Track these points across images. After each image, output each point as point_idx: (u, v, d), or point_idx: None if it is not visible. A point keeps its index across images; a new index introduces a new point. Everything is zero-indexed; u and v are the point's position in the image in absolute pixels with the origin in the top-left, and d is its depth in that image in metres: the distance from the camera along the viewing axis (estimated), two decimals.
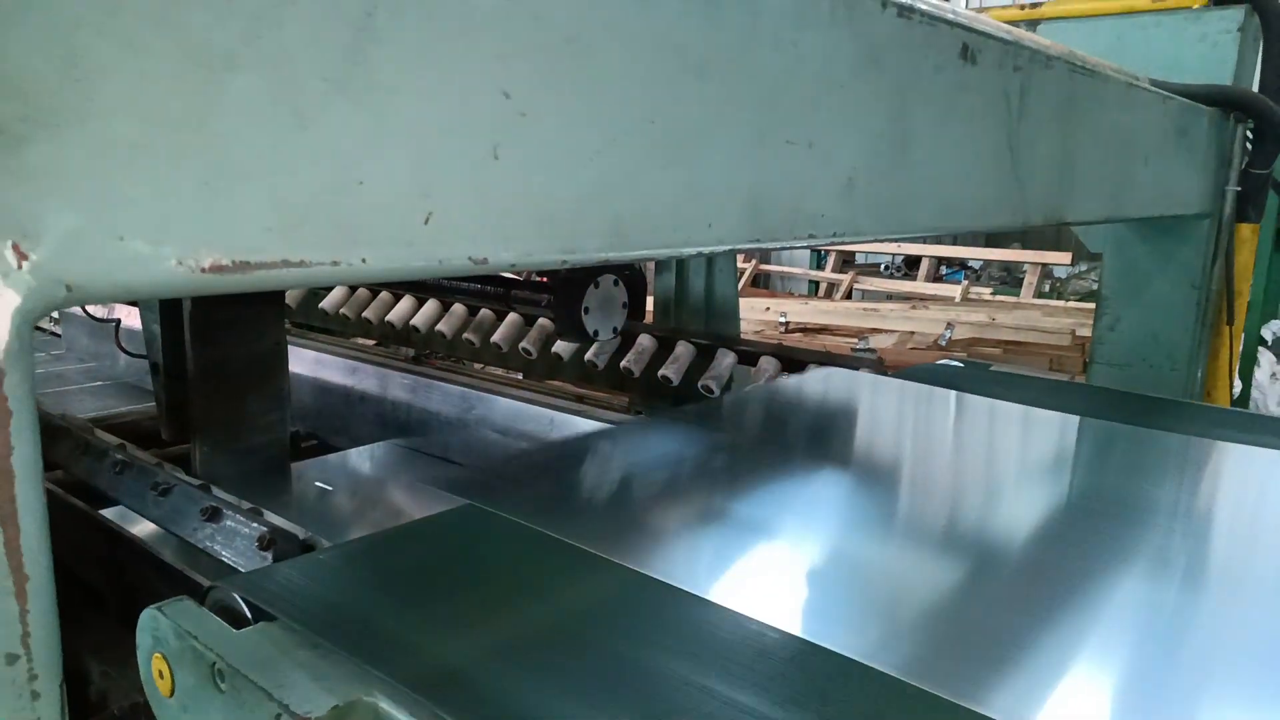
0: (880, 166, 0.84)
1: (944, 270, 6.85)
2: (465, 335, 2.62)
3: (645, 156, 0.59)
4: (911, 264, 6.90)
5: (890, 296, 6.26)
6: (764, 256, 8.02)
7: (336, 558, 0.79)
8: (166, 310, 1.52)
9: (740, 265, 7.70)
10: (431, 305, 2.72)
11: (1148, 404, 1.56)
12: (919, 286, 6.52)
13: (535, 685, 0.58)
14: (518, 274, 2.00)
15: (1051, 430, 1.35)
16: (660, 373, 2.28)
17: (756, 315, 4.82)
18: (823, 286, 7.01)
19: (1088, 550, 0.85)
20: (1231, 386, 2.21)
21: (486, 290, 2.05)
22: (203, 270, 0.41)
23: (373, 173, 0.47)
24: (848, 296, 6.85)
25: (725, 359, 2.27)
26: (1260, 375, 5.36)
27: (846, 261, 7.30)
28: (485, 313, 2.73)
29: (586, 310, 1.58)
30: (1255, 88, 2.07)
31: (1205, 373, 2.15)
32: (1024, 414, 1.39)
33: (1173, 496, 1.07)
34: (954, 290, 6.19)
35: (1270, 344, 5.56)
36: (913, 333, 4.10)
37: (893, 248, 7.22)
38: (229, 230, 0.42)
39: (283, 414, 1.65)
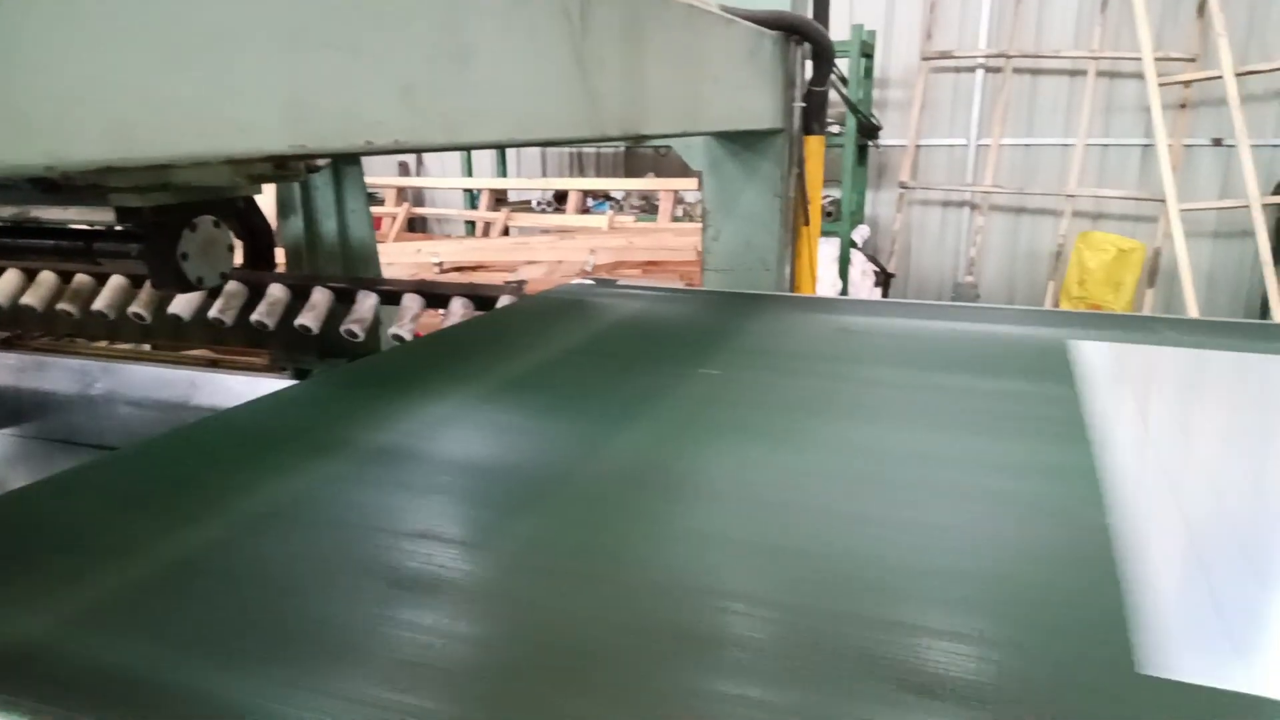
0: (440, 76, 0.86)
1: (590, 203, 7.16)
2: (61, 306, 2.30)
3: (152, 53, 0.56)
4: (560, 198, 7.12)
5: (546, 231, 6.43)
6: (416, 200, 7.83)
7: None
8: None
9: (392, 210, 7.47)
10: (12, 274, 2.36)
11: (741, 298, 1.80)
12: (569, 220, 6.76)
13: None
14: (98, 224, 1.79)
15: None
16: (298, 322, 2.17)
17: (408, 259, 4.73)
18: (480, 226, 7.03)
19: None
20: (814, 280, 2.57)
21: (63, 246, 1.81)
22: None
23: None
24: (505, 233, 6.94)
25: (367, 301, 2.21)
26: (854, 273, 6.25)
27: (500, 200, 7.37)
28: (83, 278, 2.41)
29: (185, 257, 1.47)
30: (809, 14, 2.38)
31: (793, 270, 2.48)
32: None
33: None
34: (601, 220, 6.50)
35: (860, 246, 6.50)
36: (561, 262, 4.27)
37: (541, 183, 7.39)
38: None
39: None
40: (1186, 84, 5.71)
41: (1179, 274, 5.44)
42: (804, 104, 2.30)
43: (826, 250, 6.21)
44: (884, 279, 6.46)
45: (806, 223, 2.41)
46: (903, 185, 6.62)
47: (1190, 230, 5.59)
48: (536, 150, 7.67)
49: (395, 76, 0.79)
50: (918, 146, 6.61)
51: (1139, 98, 5.84)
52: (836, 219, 6.14)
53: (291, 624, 0.63)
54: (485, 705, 0.56)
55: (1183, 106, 5.84)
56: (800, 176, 2.37)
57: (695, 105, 1.61)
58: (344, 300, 2.16)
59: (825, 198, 6.55)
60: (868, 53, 6.13)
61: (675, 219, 6.41)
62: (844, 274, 6.14)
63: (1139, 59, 5.55)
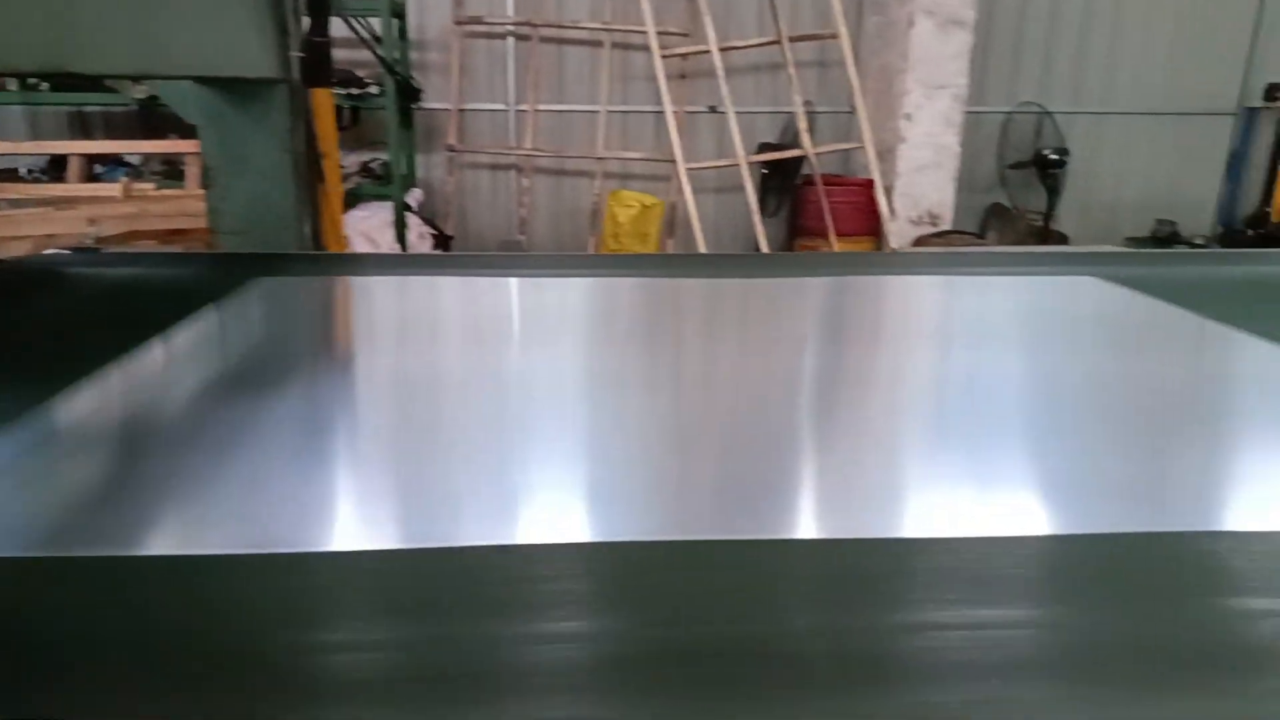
0: None
1: (100, 169, 6.22)
2: None
3: None
4: (59, 165, 6.09)
5: (45, 203, 5.47)
6: None
7: None
8: None
9: None
10: None
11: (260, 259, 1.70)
12: (73, 189, 5.82)
13: None
14: None
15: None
16: None
17: None
18: None
19: None
20: (340, 240, 2.51)
21: None
22: None
23: None
24: None
25: None
26: (412, 236, 6.23)
27: None
28: None
29: None
30: None
31: (315, 229, 2.39)
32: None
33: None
34: (114, 189, 5.69)
35: (416, 209, 6.49)
36: (52, 236, 3.67)
37: (30, 148, 6.26)
38: None
39: None
40: (684, 56, 6.49)
41: (692, 224, 6.24)
42: (303, 55, 2.21)
43: (381, 214, 6.11)
44: (443, 241, 6.52)
45: (322, 180, 2.34)
46: (450, 148, 6.71)
47: (697, 187, 6.41)
48: (17, 107, 6.45)
49: None
50: (461, 110, 6.73)
51: (648, 68, 6.52)
52: (388, 182, 6.04)
53: None
54: None
55: (683, 77, 6.65)
56: (310, 131, 2.29)
57: (152, 41, 1.46)
58: None
59: (373, 160, 6.41)
60: (399, 13, 6.06)
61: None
62: (401, 238, 6.09)
63: (645, 32, 6.18)
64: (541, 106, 6.77)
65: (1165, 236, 7.32)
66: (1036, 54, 7.32)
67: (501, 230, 7.09)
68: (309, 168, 2.33)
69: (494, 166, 6.98)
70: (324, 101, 2.35)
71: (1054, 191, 7.19)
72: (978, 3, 6.37)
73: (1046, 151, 7.09)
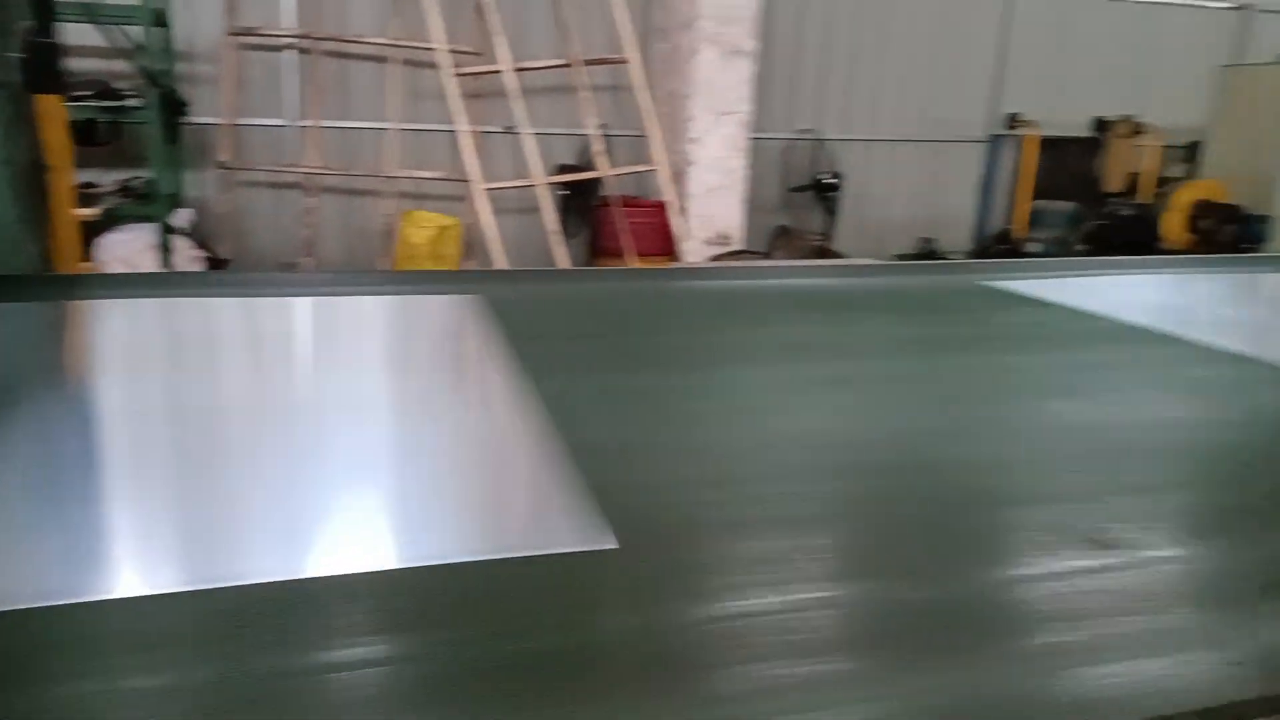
0: None
1: None
2: None
3: None
4: None
5: None
6: None
7: None
8: None
9: None
10: None
11: None
12: None
13: None
14: None
15: None
16: None
17: None
18: None
19: None
20: (77, 262, 2.26)
21: None
22: None
23: None
24: None
25: None
26: (179, 259, 5.77)
27: None
28: None
29: None
30: None
31: (45, 250, 2.14)
32: None
33: None
34: None
35: (187, 230, 6.01)
36: None
37: None
38: None
39: None
40: (476, 75, 6.42)
41: (490, 246, 6.15)
42: (24, 57, 1.96)
43: (144, 237, 5.61)
44: (217, 264, 6.07)
45: (49, 196, 2.09)
46: (223, 165, 6.27)
47: (497, 207, 6.33)
48: None
49: None
50: (236, 125, 6.32)
51: (441, 86, 6.39)
52: (152, 201, 5.56)
53: None
54: None
55: (477, 96, 6.57)
56: (34, 140, 2.04)
57: None
58: None
59: (136, 178, 5.88)
60: (162, 21, 5.62)
61: None
62: (167, 262, 5.61)
63: (434, 49, 6.06)
64: (326, 123, 6.48)
65: (926, 253, 8.00)
66: (812, 84, 7.82)
67: (285, 252, 6.70)
68: (35, 182, 2.07)
69: (275, 185, 6.59)
70: (53, 109, 2.10)
71: (831, 213, 7.69)
72: (758, 33, 6.72)
73: (823, 176, 7.58)
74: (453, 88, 6.03)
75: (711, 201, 6.88)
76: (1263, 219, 7.25)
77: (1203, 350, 1.41)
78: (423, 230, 6.20)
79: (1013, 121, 8.20)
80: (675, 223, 6.62)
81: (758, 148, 7.22)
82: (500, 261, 6.10)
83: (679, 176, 6.74)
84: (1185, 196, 7.43)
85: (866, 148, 8.07)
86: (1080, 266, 2.35)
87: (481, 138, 6.61)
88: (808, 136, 7.69)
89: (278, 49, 6.35)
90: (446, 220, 6.34)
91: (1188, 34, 8.67)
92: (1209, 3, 8.72)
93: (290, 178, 6.54)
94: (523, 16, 6.68)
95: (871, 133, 8.06)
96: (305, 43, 6.32)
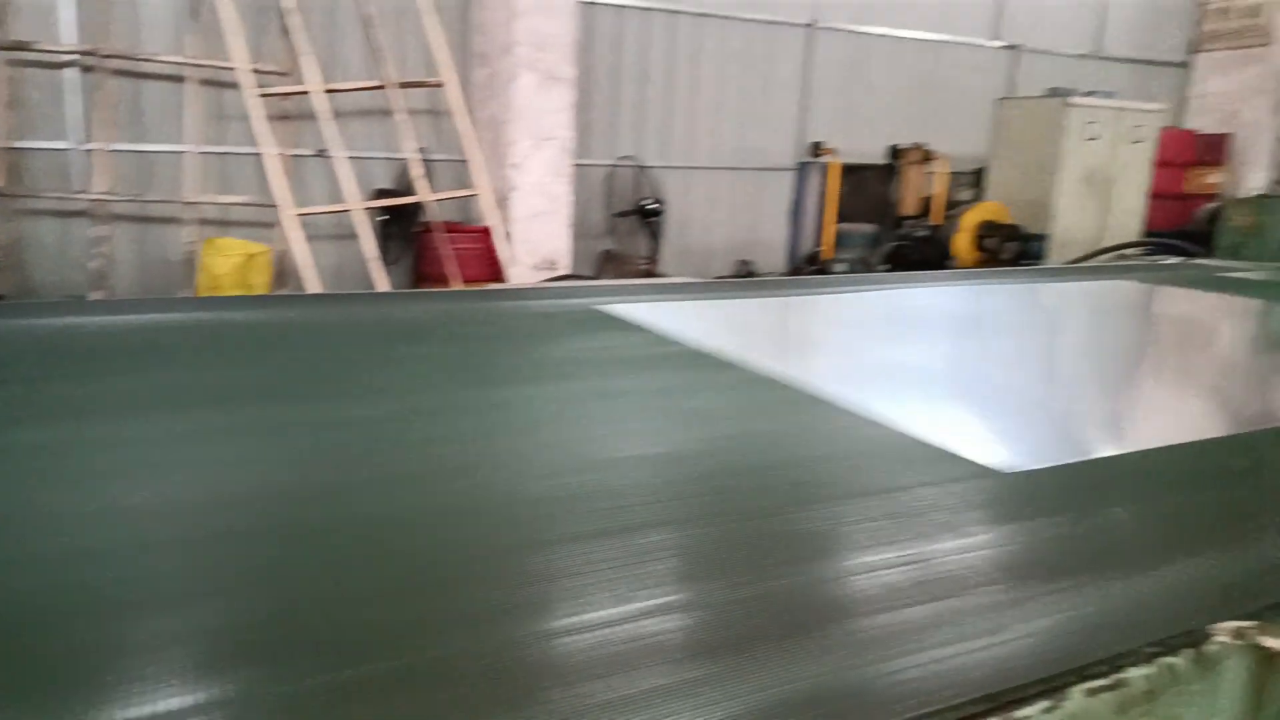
0: None
1: None
2: None
3: None
4: None
5: None
6: None
7: None
8: None
9: None
10: None
11: None
12: None
13: None
14: None
15: None
16: None
17: None
18: None
19: None
20: None
21: None
22: None
23: None
24: None
25: None
26: None
27: None
28: None
29: None
30: None
31: None
32: None
33: None
34: None
35: None
36: None
37: None
38: None
39: None
40: (283, 96, 6.15)
41: (303, 273, 5.88)
42: None
43: None
44: None
45: None
46: None
47: (311, 234, 6.07)
48: None
49: None
50: (11, 149, 5.76)
51: (244, 107, 6.09)
52: None
53: None
54: None
55: (285, 118, 6.29)
56: None
57: None
58: None
59: None
60: None
61: None
62: None
63: (235, 70, 5.76)
64: (117, 146, 6.02)
65: (744, 274, 8.33)
66: (631, 112, 8.00)
67: (74, 285, 6.15)
68: None
69: (60, 213, 6.04)
70: None
71: (655, 237, 7.88)
72: (576, 60, 6.81)
73: (646, 201, 7.76)
74: (257, 109, 5.75)
75: (536, 226, 6.88)
76: (1040, 237, 8.02)
77: (749, 376, 1.36)
78: (227, 258, 5.85)
79: (817, 150, 8.69)
80: (500, 248, 6.57)
81: (582, 174, 7.30)
82: (316, 288, 5.84)
83: (503, 202, 6.71)
84: (972, 218, 8.11)
85: (687, 174, 8.33)
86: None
87: (291, 161, 6.34)
88: (630, 163, 7.86)
89: (57, 66, 5.85)
90: (255, 247, 6.01)
91: (969, 70, 9.51)
92: (986, 42, 9.61)
93: (77, 205, 6.02)
94: (333, 36, 6.48)
95: (690, 160, 8.33)
96: (90, 60, 5.86)
